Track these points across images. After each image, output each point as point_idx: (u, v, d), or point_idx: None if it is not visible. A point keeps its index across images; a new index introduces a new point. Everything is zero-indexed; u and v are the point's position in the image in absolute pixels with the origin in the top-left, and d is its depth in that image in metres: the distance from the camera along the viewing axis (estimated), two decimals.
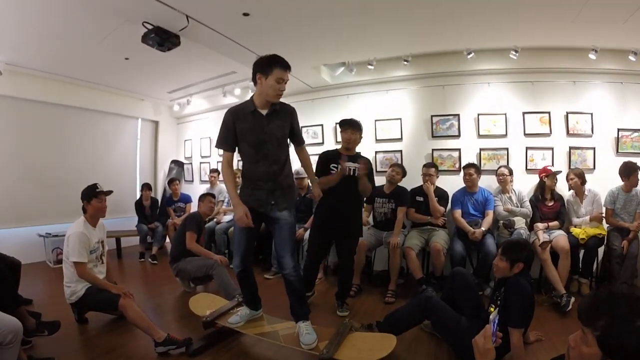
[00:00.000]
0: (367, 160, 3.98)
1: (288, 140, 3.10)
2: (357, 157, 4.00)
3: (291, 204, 3.05)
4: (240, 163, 3.22)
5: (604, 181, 4.85)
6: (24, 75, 6.07)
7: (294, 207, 3.08)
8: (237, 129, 2.88)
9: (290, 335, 3.05)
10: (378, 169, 5.95)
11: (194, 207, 7.00)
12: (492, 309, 1.88)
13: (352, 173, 3.78)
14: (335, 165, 3.93)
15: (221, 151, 3.03)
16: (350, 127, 3.98)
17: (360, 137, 4.12)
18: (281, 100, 2.98)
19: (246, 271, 3.20)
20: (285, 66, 2.80)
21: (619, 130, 5.13)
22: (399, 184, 4.95)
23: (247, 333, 3.20)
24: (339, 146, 4.36)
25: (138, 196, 7.53)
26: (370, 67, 5.56)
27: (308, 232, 5.08)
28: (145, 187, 7.25)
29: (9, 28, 4.54)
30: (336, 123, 4.20)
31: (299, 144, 3.21)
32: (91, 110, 7.32)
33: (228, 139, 2.92)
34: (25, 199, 6.35)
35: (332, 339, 2.87)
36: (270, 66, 2.76)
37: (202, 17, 4.17)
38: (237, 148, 2.99)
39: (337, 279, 4.38)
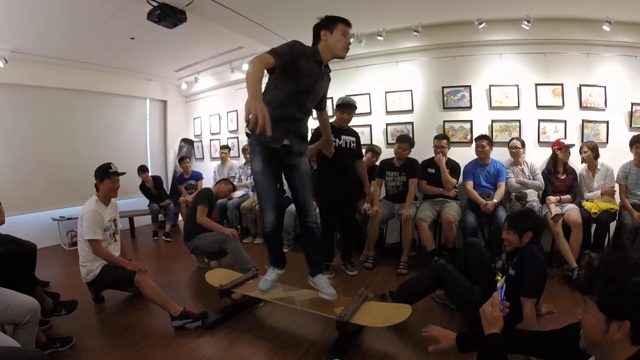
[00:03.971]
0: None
1: None
2: (349, 131, 4.44)
3: (304, 149, 3.02)
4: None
5: (617, 155, 4.78)
6: (30, 62, 6.06)
7: (307, 156, 3.09)
8: (298, 64, 2.70)
9: (307, 300, 3.09)
10: (389, 142, 5.99)
11: (205, 184, 7.05)
12: (498, 277, 1.89)
13: (348, 145, 4.34)
14: (334, 140, 4.06)
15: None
16: (349, 109, 4.34)
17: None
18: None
19: (279, 226, 3.10)
20: (347, 23, 2.83)
21: (632, 104, 5.04)
22: (408, 155, 4.92)
23: (264, 298, 3.23)
24: None
25: (155, 174, 7.51)
26: (379, 38, 5.48)
27: None
28: (140, 170, 7.07)
29: (12, 16, 4.51)
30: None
31: (322, 109, 3.19)
32: (99, 92, 7.32)
33: (285, 58, 2.59)
34: (37, 184, 6.41)
35: (348, 305, 2.90)
36: (334, 22, 2.80)
37: None
38: (277, 75, 2.75)
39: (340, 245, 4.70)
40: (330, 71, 2.99)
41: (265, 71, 2.54)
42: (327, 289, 2.98)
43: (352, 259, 4.70)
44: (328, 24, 2.81)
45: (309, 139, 3.19)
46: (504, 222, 3.02)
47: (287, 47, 2.66)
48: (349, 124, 4.50)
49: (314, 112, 3.16)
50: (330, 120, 4.30)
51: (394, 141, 5.14)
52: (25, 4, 4.23)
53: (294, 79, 2.74)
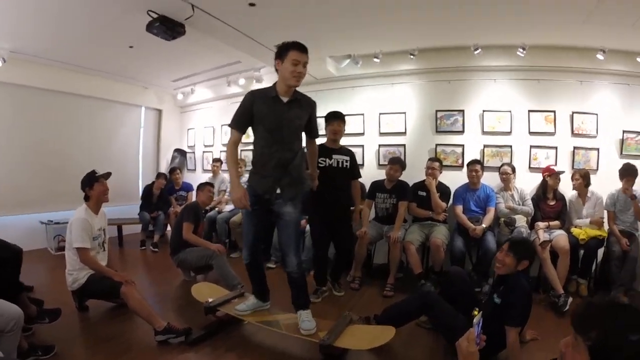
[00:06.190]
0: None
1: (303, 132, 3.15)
2: (343, 150, 4.33)
3: (298, 194, 3.03)
4: (243, 152, 3.19)
5: (607, 183, 4.80)
6: (28, 62, 6.07)
7: (300, 199, 3.06)
8: (254, 110, 2.90)
9: (292, 324, 3.08)
10: (381, 163, 5.99)
11: (195, 195, 7.02)
12: (475, 312, 1.89)
13: (341, 165, 4.23)
14: (324, 159, 4.13)
15: (229, 133, 3.07)
16: (338, 119, 4.23)
17: (344, 129, 4.36)
18: (304, 93, 3.02)
19: (255, 262, 3.24)
20: (300, 48, 2.82)
21: (624, 132, 5.09)
22: (399, 178, 4.94)
23: (249, 320, 3.23)
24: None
25: (151, 181, 7.47)
26: (376, 60, 5.54)
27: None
28: (161, 176, 7.24)
29: (12, 15, 4.51)
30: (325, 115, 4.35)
31: (312, 136, 3.28)
32: (95, 98, 7.32)
33: (242, 119, 2.96)
34: (27, 186, 6.36)
35: (332, 328, 2.90)
36: (285, 50, 2.82)
37: (208, 7, 4.17)
38: (252, 130, 3.03)
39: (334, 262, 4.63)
40: (299, 98, 2.98)
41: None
42: (306, 324, 2.97)
43: (340, 280, 4.65)
44: (280, 52, 2.85)
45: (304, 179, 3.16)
46: (499, 246, 3.03)
47: (239, 108, 2.98)
48: (342, 143, 4.41)
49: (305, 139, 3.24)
50: (323, 141, 4.26)
51: (386, 162, 5.16)
52: (26, 4, 4.23)
53: (260, 123, 2.93)
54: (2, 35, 5.16)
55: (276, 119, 2.89)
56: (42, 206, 6.54)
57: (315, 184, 3.53)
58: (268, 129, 2.91)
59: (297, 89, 2.99)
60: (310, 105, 3.09)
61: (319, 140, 3.99)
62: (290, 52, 2.79)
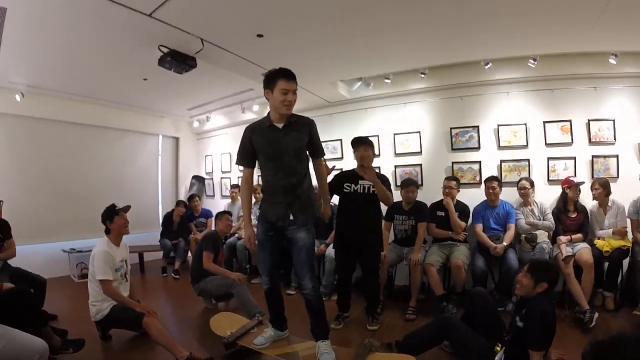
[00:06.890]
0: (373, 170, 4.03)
1: (307, 154, 3.11)
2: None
3: (310, 217, 3.04)
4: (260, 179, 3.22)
5: (629, 190, 4.69)
6: (46, 96, 6.27)
7: (312, 223, 3.07)
8: (253, 143, 2.96)
9: (311, 355, 3.05)
10: (398, 184, 5.87)
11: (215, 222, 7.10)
12: (497, 348, 1.84)
13: (367, 191, 4.07)
14: (349, 185, 4.09)
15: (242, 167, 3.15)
16: (363, 144, 4.10)
17: (374, 153, 4.24)
18: (300, 114, 3.03)
19: (274, 289, 3.25)
20: (288, 76, 2.81)
21: None
22: (417, 198, 4.91)
23: (268, 354, 3.20)
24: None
25: (170, 208, 7.62)
26: (387, 80, 5.55)
27: (330, 247, 5.12)
28: (181, 203, 7.37)
29: (30, 51, 4.64)
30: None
31: (317, 156, 3.18)
32: (113, 128, 7.53)
33: (245, 154, 3.03)
34: (49, 215, 6.55)
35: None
36: (273, 79, 2.82)
37: (217, 40, 4.25)
38: (258, 163, 3.08)
39: (362, 293, 4.50)
40: (294, 121, 2.96)
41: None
42: (325, 356, 2.94)
43: (377, 313, 4.37)
44: (268, 82, 2.86)
45: (314, 202, 3.17)
46: (521, 264, 2.96)
47: (239, 145, 3.07)
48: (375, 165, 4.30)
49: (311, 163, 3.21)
50: (353, 167, 4.26)
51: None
52: (44, 41, 4.34)
53: (261, 154, 3.00)
54: (20, 70, 5.33)
55: (274, 147, 2.91)
56: (64, 235, 6.70)
57: (327, 211, 3.46)
58: (268, 157, 2.95)
59: (308, 113, 3.01)
60: (307, 124, 3.03)
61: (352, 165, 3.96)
62: (279, 81, 2.79)
